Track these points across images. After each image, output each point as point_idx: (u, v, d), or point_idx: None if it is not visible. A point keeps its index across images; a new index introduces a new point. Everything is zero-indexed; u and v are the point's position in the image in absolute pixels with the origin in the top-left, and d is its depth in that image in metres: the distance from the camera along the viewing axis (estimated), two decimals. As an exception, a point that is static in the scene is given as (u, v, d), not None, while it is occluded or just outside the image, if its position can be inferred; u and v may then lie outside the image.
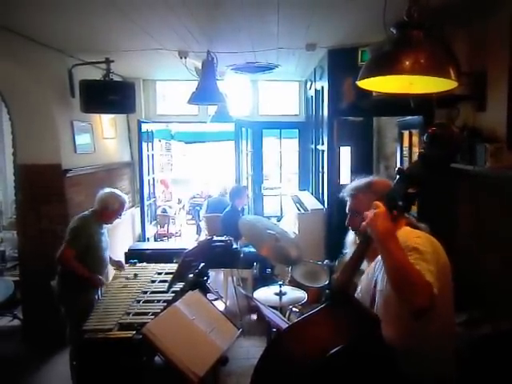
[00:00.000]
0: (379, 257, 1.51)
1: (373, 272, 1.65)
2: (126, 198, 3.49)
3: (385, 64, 1.69)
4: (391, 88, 1.93)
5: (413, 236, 1.51)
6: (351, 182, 1.85)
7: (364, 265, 1.67)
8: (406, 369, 1.43)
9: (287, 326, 2.26)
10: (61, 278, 3.17)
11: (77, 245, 3.11)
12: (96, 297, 3.22)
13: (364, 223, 1.41)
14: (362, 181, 1.79)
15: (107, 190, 3.41)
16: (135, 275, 3.38)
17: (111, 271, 3.57)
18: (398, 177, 1.43)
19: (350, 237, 1.81)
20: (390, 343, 1.44)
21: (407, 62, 1.61)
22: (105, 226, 3.39)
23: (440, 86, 1.78)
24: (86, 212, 3.32)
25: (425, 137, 1.41)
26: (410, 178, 1.40)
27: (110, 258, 3.53)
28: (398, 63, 1.62)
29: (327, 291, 1.52)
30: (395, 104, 3.39)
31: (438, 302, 1.37)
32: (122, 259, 3.80)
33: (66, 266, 3.11)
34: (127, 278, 3.32)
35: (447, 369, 1.55)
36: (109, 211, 3.30)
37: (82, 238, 3.14)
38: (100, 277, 3.19)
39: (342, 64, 4.06)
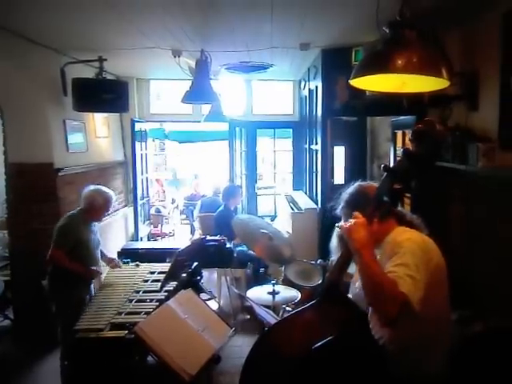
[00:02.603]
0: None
1: None
2: (113, 194, 3.44)
3: (378, 63, 1.70)
4: (384, 87, 1.94)
5: (403, 238, 1.50)
6: (344, 183, 1.83)
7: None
8: (396, 368, 1.44)
9: (275, 322, 2.26)
10: (51, 277, 3.14)
11: (64, 244, 3.08)
12: (87, 296, 3.19)
13: (341, 231, 1.45)
14: (348, 192, 1.71)
15: (92, 187, 3.36)
16: (137, 265, 3.51)
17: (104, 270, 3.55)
18: (384, 174, 1.46)
19: (334, 242, 1.77)
20: (381, 343, 1.45)
21: (400, 61, 1.62)
22: (95, 224, 3.37)
23: (432, 86, 1.79)
24: (73, 211, 3.29)
25: (410, 134, 1.44)
26: (394, 174, 1.44)
27: (104, 255, 3.51)
28: (390, 62, 1.63)
29: (318, 289, 1.54)
30: (388, 104, 3.41)
31: (428, 304, 1.37)
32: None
33: (58, 266, 3.08)
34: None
35: (438, 368, 1.55)
36: (95, 208, 3.26)
37: (70, 236, 3.11)
38: (95, 268, 3.17)
39: (336, 64, 4.06)
